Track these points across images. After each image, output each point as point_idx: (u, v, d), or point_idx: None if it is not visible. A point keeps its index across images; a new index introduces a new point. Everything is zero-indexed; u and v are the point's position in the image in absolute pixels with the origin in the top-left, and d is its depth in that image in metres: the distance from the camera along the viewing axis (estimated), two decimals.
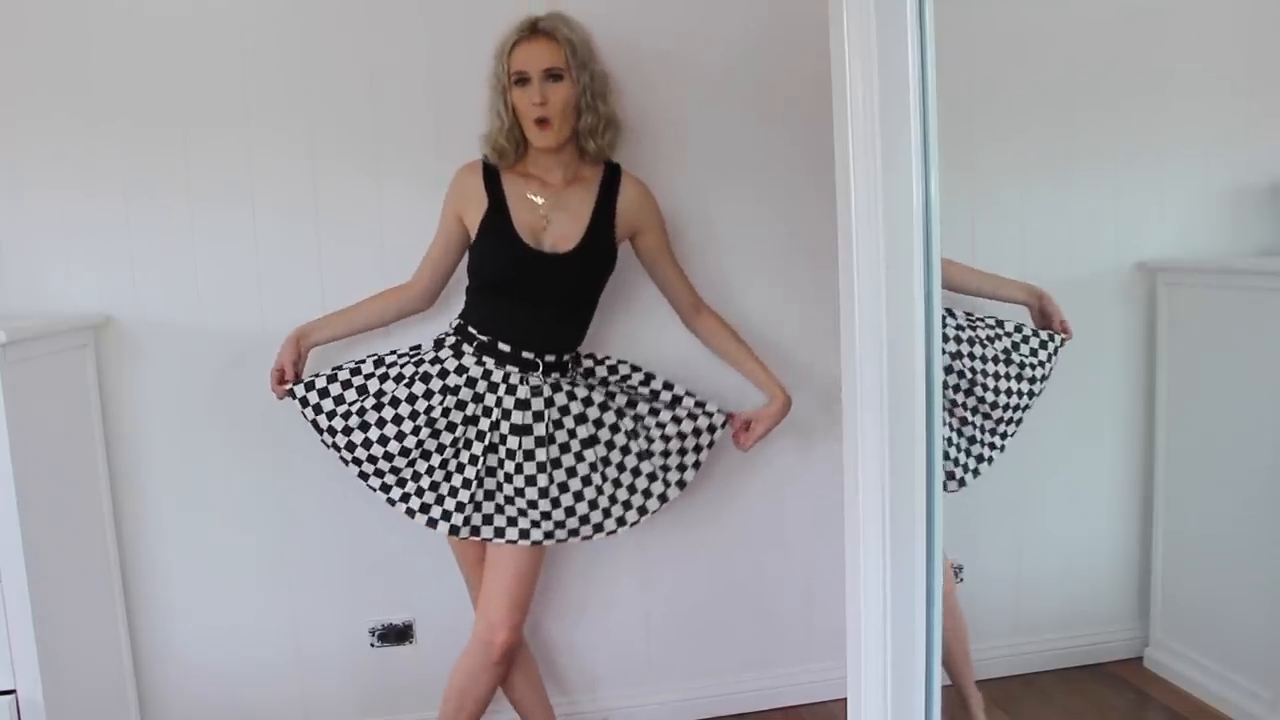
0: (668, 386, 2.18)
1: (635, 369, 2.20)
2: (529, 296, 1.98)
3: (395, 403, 1.99)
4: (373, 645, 2.38)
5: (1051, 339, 2.20)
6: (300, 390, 2.02)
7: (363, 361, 2.06)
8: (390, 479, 2.01)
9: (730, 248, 2.38)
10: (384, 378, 2.02)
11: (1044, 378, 2.18)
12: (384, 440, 1.98)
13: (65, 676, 1.96)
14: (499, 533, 1.97)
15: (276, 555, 2.31)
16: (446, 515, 1.98)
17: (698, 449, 2.11)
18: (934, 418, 1.31)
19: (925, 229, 1.28)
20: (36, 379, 1.94)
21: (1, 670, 1.86)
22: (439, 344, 2.04)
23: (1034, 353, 2.17)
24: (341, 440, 2.00)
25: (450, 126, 2.23)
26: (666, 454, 2.09)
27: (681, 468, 2.10)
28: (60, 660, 1.95)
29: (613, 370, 2.18)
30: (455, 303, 2.13)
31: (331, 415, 2.00)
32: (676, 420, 2.10)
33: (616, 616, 2.46)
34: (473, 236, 2.01)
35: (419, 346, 2.10)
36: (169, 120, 2.16)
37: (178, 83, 2.16)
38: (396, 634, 2.38)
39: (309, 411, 2.02)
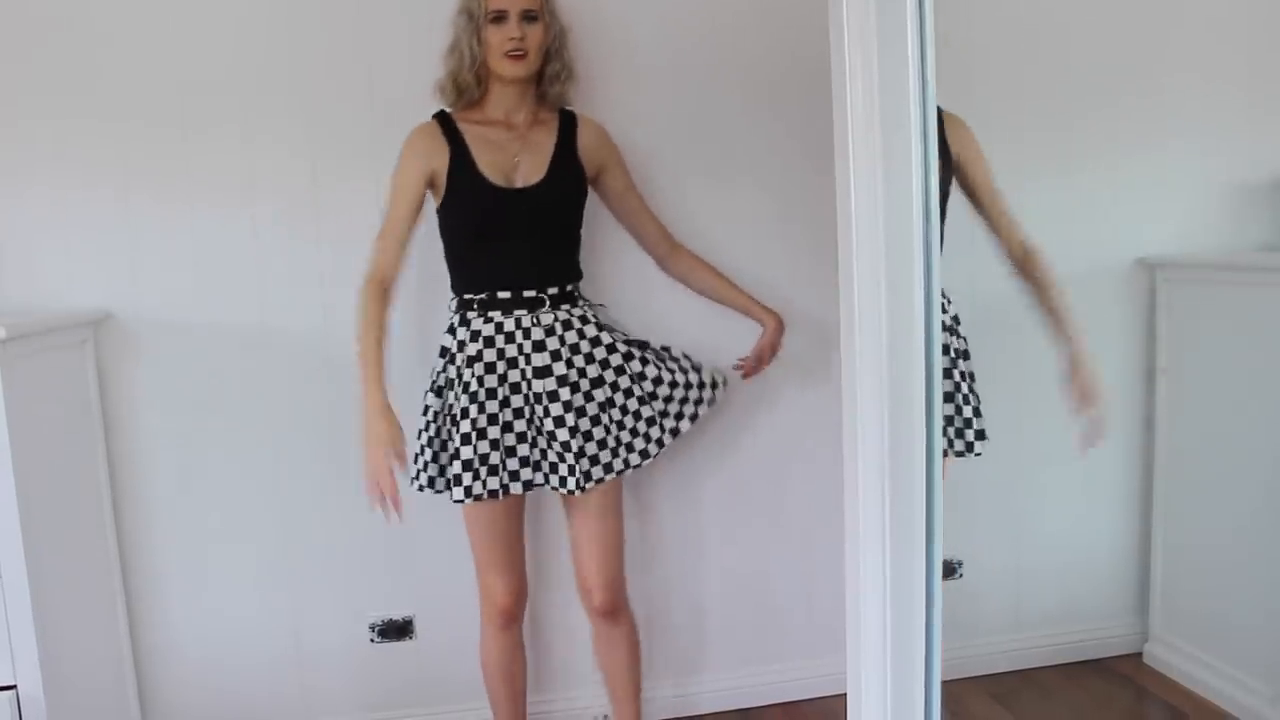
0: (665, 349, 2.17)
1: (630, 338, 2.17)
2: (508, 234, 1.96)
3: (446, 409, 1.99)
4: (373, 641, 2.38)
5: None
6: (420, 481, 2.02)
7: (425, 412, 2.03)
8: (479, 475, 1.94)
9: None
10: (438, 399, 2.01)
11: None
12: (465, 438, 1.93)
13: (66, 672, 1.97)
14: (562, 483, 1.95)
15: (277, 551, 2.31)
16: (514, 476, 1.96)
17: (698, 402, 2.14)
18: (934, 416, 1.31)
19: (925, 228, 1.28)
20: (36, 375, 1.95)
21: (2, 666, 1.86)
22: (451, 330, 2.02)
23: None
24: (440, 479, 2.00)
25: None
26: (669, 399, 2.10)
27: (679, 416, 2.12)
28: (61, 656, 1.95)
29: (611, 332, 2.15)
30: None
31: (427, 466, 2.01)
32: (679, 370, 2.12)
33: None
34: (441, 192, 1.99)
35: (445, 345, 2.04)
36: (168, 119, 2.16)
37: (177, 81, 2.16)
38: (397, 630, 2.38)
39: (425, 487, 2.03)
